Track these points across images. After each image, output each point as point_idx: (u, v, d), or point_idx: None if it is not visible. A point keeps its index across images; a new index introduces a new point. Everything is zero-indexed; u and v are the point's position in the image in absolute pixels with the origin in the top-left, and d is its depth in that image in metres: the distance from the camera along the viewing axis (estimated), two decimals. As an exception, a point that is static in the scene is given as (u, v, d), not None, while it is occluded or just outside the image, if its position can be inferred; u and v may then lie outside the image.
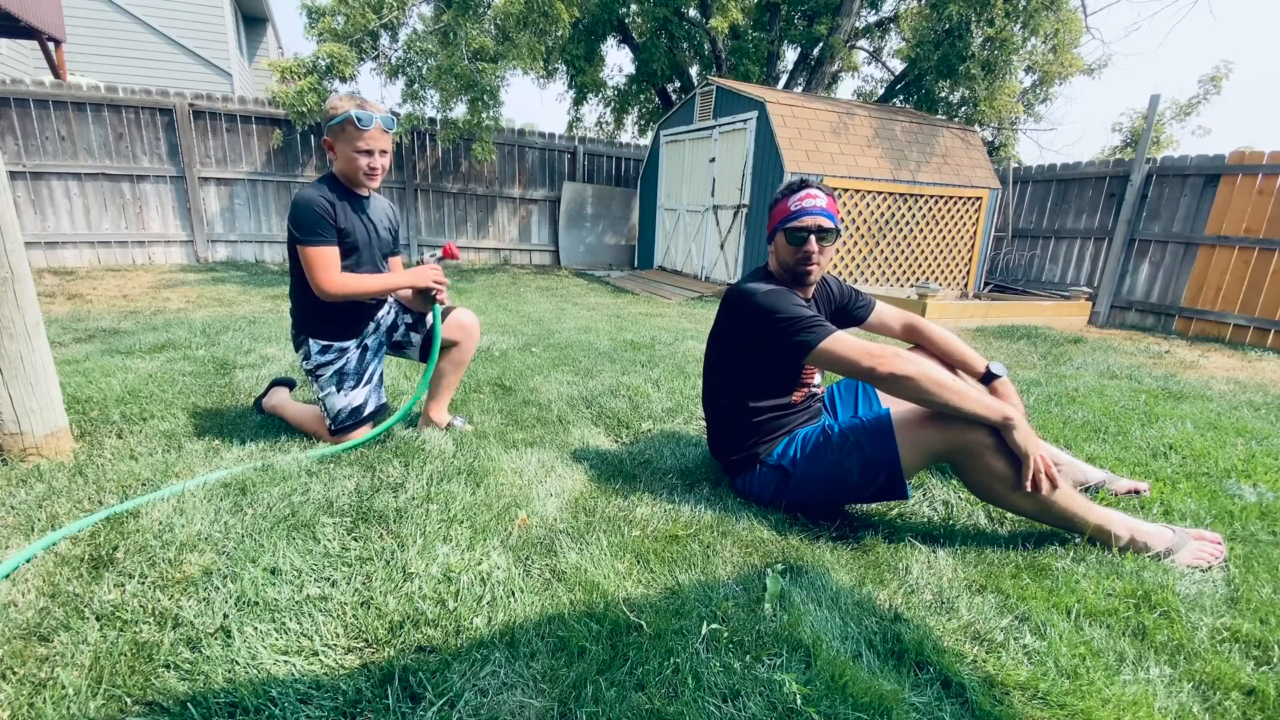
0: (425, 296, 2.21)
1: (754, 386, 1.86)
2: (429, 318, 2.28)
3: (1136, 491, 2.02)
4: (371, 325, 2.23)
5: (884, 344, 1.67)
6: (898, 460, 1.63)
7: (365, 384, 2.18)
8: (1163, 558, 1.60)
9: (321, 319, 2.11)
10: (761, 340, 1.76)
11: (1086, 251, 7.03)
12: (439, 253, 2.24)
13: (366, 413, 2.18)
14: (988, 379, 1.94)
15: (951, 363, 1.98)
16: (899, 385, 1.58)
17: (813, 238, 1.75)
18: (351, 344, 2.16)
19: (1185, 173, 6.01)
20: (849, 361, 1.63)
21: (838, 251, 6.71)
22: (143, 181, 6.95)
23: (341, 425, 2.15)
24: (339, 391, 2.14)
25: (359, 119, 1.95)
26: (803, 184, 1.78)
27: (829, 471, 1.73)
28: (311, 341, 2.12)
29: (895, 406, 1.73)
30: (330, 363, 2.13)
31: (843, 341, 1.65)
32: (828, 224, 1.74)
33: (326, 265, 2.01)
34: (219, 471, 1.87)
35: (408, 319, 2.32)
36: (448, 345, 2.31)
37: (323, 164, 7.71)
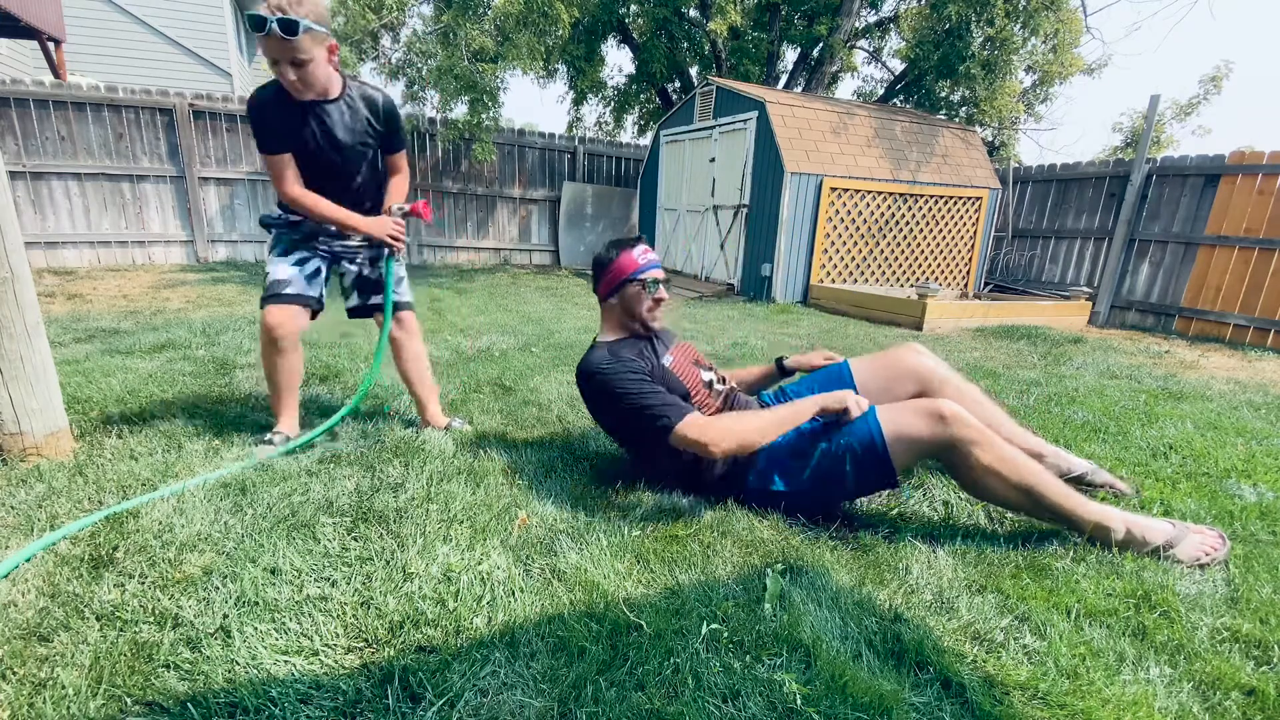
0: (380, 249, 2.18)
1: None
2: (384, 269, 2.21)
3: (1113, 487, 2.01)
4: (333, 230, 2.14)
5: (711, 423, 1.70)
6: (889, 459, 1.64)
7: (296, 264, 2.10)
8: (1163, 551, 1.59)
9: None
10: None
11: (1086, 251, 7.03)
12: (407, 208, 2.15)
13: (286, 291, 2.06)
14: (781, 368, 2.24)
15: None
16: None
17: (661, 286, 1.93)
18: (307, 221, 2.09)
19: (1185, 173, 6.01)
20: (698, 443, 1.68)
21: (839, 251, 6.71)
22: (143, 181, 6.95)
23: (265, 295, 2.07)
24: (276, 258, 2.09)
25: (250, 21, 1.65)
26: (637, 239, 1.95)
27: (823, 469, 1.73)
28: (278, 207, 2.10)
29: (881, 408, 1.72)
30: (283, 228, 2.09)
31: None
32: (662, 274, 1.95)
33: (277, 173, 1.95)
34: (219, 471, 1.87)
35: (366, 266, 2.25)
36: (395, 347, 2.30)
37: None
